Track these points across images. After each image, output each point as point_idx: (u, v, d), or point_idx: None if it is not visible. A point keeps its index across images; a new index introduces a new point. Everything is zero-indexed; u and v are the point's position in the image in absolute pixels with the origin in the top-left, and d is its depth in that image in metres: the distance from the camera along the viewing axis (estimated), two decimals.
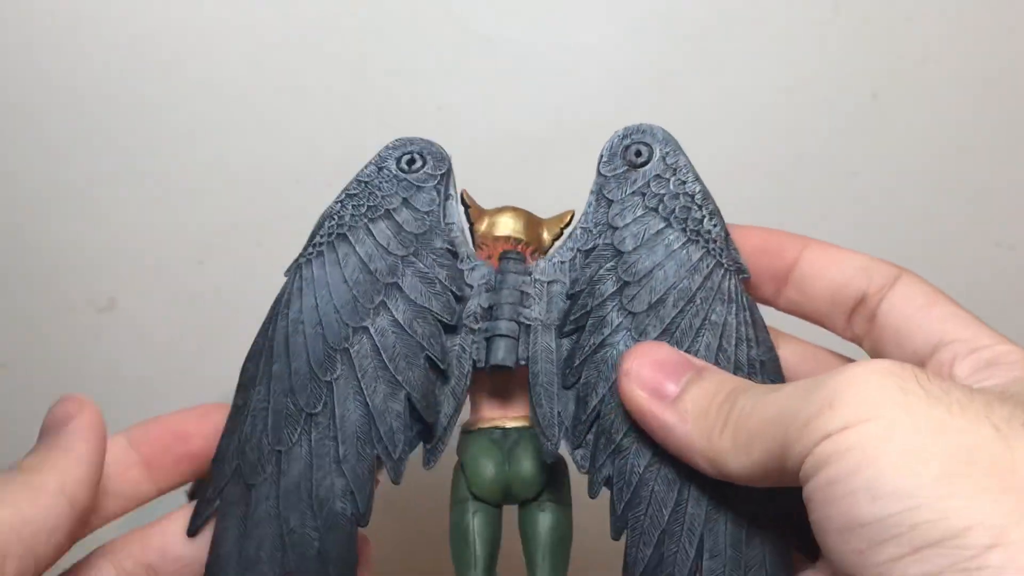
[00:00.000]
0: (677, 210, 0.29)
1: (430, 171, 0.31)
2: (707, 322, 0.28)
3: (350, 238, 0.30)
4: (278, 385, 0.28)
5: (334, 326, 0.29)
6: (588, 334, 0.29)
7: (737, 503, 0.27)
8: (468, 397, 0.30)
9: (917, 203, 0.49)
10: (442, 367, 0.28)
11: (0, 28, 0.47)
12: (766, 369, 0.29)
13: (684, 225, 0.29)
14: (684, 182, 0.30)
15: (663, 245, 0.29)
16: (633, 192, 0.30)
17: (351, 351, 0.28)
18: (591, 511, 0.29)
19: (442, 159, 0.31)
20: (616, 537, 0.27)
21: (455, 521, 0.29)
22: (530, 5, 0.47)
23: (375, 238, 0.30)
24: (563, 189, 0.32)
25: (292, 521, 0.27)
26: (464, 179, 0.32)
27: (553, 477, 0.29)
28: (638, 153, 0.30)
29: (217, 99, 0.48)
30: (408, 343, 0.28)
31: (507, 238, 0.31)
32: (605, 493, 0.28)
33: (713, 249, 0.29)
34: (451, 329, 0.29)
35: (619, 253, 0.29)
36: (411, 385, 0.28)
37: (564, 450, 0.28)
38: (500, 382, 0.30)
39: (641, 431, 0.27)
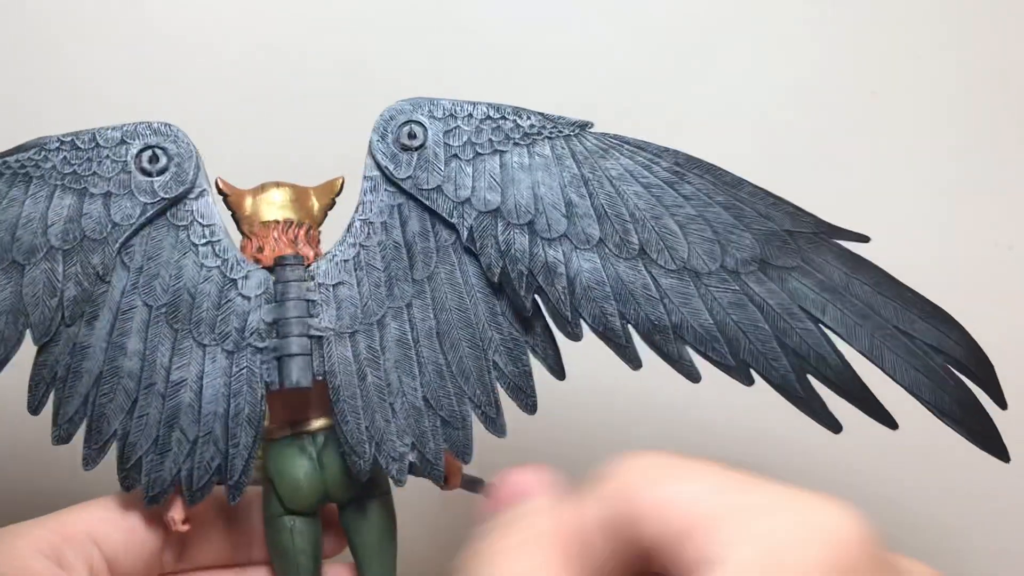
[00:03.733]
0: (492, 136, 0.27)
1: (161, 185, 0.27)
2: (611, 179, 0.27)
3: (31, 187, 0.26)
4: None
5: None
6: (551, 285, 0.27)
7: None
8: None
9: (916, 202, 0.49)
10: None
11: (1, 28, 0.47)
12: (691, 163, 0.28)
13: (511, 139, 0.27)
14: (470, 115, 0.27)
15: (516, 168, 0.27)
16: (445, 161, 0.27)
17: None
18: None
19: (185, 178, 0.27)
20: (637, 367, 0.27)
21: (273, 539, 0.27)
22: (530, 5, 0.47)
23: (50, 208, 0.26)
24: None
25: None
26: None
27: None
28: (411, 135, 0.27)
29: (216, 99, 0.48)
30: None
31: (276, 222, 0.28)
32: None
33: (547, 131, 0.27)
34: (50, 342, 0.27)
35: (496, 211, 0.27)
36: None
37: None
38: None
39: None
